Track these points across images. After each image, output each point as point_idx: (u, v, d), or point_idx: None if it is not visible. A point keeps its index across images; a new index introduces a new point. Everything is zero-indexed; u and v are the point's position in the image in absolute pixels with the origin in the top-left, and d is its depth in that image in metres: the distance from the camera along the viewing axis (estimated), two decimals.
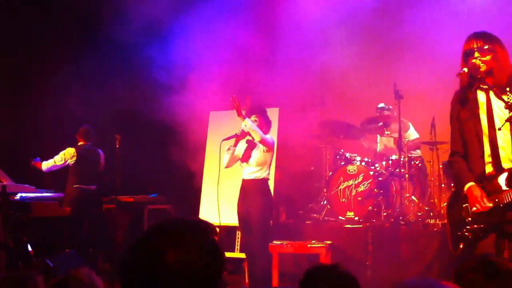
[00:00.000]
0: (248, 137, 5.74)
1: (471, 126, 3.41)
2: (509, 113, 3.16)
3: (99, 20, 7.98)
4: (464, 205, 3.39)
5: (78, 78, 8.28)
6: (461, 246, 3.40)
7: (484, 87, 3.35)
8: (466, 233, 3.34)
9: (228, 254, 7.05)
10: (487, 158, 3.34)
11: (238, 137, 5.69)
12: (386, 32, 8.06)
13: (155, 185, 8.26)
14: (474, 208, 3.31)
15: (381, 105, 7.44)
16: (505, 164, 3.26)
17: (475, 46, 3.34)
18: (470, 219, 3.33)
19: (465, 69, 3.36)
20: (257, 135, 5.54)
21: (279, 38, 8.09)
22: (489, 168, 3.34)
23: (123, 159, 7.32)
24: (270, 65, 7.93)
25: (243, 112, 5.59)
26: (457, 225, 3.41)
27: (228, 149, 5.76)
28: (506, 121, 3.21)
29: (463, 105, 3.45)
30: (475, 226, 3.31)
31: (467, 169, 3.44)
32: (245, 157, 5.72)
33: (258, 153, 5.70)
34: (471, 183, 3.35)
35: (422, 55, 7.59)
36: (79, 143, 7.48)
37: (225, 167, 5.83)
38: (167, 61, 8.09)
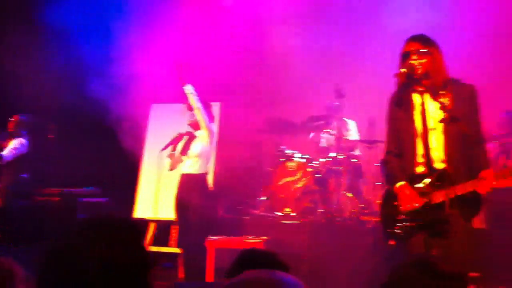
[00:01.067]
0: (187, 129, 5.69)
1: (405, 127, 3.47)
2: (443, 114, 3.23)
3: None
4: (395, 203, 3.45)
5: (12, 63, 7.91)
6: (391, 242, 3.48)
7: (420, 89, 3.42)
8: (397, 230, 3.41)
9: (163, 249, 6.95)
10: (420, 159, 3.41)
11: (175, 142, 5.64)
12: (330, 30, 8.16)
13: (90, 178, 8.02)
14: (405, 206, 3.40)
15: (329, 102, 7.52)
16: (437, 165, 3.33)
17: (413, 48, 3.41)
18: (401, 217, 3.40)
19: (403, 70, 3.40)
20: (197, 102, 5.54)
21: (221, 32, 8.02)
22: (420, 169, 3.42)
23: (57, 150, 7.07)
24: (212, 59, 7.85)
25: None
26: (389, 222, 3.48)
27: (170, 155, 5.68)
28: (440, 122, 3.29)
29: (399, 105, 3.52)
30: (406, 224, 3.37)
31: (399, 168, 3.52)
32: (184, 150, 5.65)
33: (197, 145, 5.64)
34: (401, 182, 3.44)
35: (363, 54, 7.71)
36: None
37: (169, 170, 5.76)
38: (107, 52, 7.88)
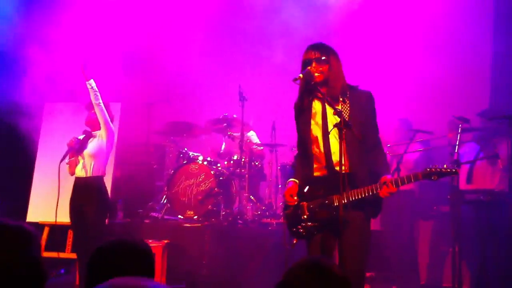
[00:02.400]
0: (81, 136, 5.47)
1: (306, 132, 3.58)
2: (338, 120, 3.33)
3: None
4: (300, 203, 3.54)
5: None
6: (294, 241, 3.58)
7: (320, 95, 3.52)
8: (300, 230, 3.51)
9: (60, 254, 6.62)
10: (319, 163, 3.52)
11: (72, 148, 5.39)
12: (234, 34, 8.22)
13: None
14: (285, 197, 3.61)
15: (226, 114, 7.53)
16: (338, 169, 3.37)
17: (313, 56, 3.50)
18: (305, 216, 3.49)
19: (301, 75, 3.48)
20: (98, 97, 5.36)
21: (121, 31, 7.80)
22: (319, 172, 3.53)
23: None
24: (113, 58, 7.61)
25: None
26: (293, 222, 3.57)
27: (70, 161, 5.42)
28: (334, 126, 3.36)
29: (301, 111, 3.64)
30: (309, 223, 3.47)
31: (299, 169, 3.66)
32: (80, 149, 5.40)
33: (94, 145, 5.42)
34: (292, 179, 3.64)
35: (265, 59, 7.82)
36: None
37: (71, 175, 5.48)
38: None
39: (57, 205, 5.23)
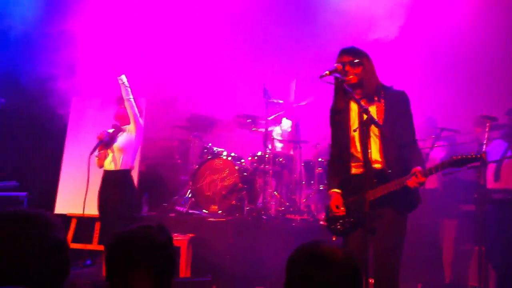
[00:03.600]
0: (111, 130, 5.55)
1: (343, 132, 3.71)
2: (365, 117, 3.35)
3: None
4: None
5: None
6: (333, 239, 3.74)
7: (356, 96, 3.59)
8: (338, 226, 3.68)
9: (86, 246, 6.74)
10: (355, 161, 3.65)
11: (102, 141, 5.48)
12: (259, 29, 8.23)
13: (7, 172, 7.65)
14: (331, 213, 3.71)
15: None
16: (376, 166, 3.53)
17: (346, 60, 3.61)
18: (342, 214, 3.67)
19: (327, 72, 3.53)
20: (129, 92, 5.47)
21: (150, 26, 7.89)
22: (357, 170, 3.65)
23: None
24: (138, 53, 7.71)
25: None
26: (332, 219, 3.74)
27: (99, 154, 5.51)
28: (360, 124, 3.43)
29: (337, 112, 3.76)
30: (346, 220, 3.64)
31: (334, 173, 3.81)
32: (110, 143, 5.49)
33: (123, 139, 5.51)
34: (333, 189, 3.75)
35: (291, 56, 7.84)
36: None
37: (100, 168, 5.58)
38: (28, 45, 7.56)
39: (85, 198, 5.32)
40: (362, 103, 3.53)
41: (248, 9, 8.10)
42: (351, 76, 3.60)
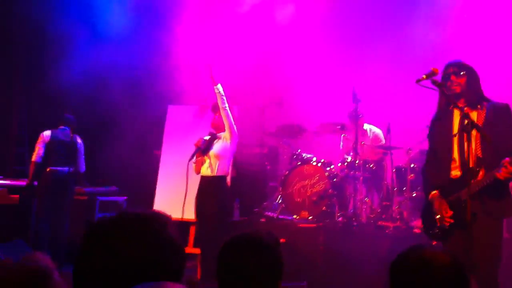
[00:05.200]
0: (207, 137, 5.75)
1: (443, 136, 3.86)
2: (466, 122, 3.48)
3: None
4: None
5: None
6: (434, 243, 3.80)
7: (460, 105, 3.74)
8: (436, 230, 3.79)
9: None
10: (454, 165, 3.77)
11: (199, 148, 5.68)
12: (347, 35, 8.20)
13: (108, 177, 8.12)
14: (438, 216, 3.78)
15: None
16: (472, 169, 3.61)
17: (451, 71, 3.79)
18: (438, 217, 3.76)
19: (424, 76, 3.60)
20: (224, 101, 5.62)
21: (239, 37, 8.09)
22: (456, 173, 3.77)
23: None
24: (229, 62, 7.91)
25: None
26: (430, 225, 3.85)
27: (196, 161, 5.73)
28: (461, 129, 3.66)
29: (440, 120, 3.93)
30: (443, 223, 3.73)
31: (431, 177, 3.93)
32: (206, 150, 5.69)
33: (219, 146, 5.69)
34: (434, 192, 3.84)
35: (381, 60, 7.74)
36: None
37: (197, 174, 5.81)
38: (126, 53, 7.99)
39: (184, 202, 5.55)
40: (465, 110, 3.61)
41: (337, 13, 8.11)
42: (455, 85, 3.76)
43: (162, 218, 1.70)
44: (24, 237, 6.34)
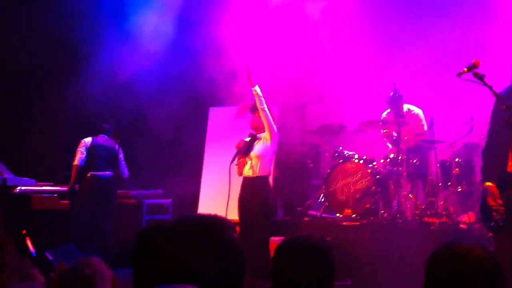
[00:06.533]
0: (247, 138, 5.81)
1: (503, 129, 3.79)
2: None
3: None
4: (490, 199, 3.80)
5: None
6: (489, 235, 3.99)
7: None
8: (492, 224, 3.75)
9: None
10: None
11: (240, 150, 5.76)
12: (387, 31, 8.12)
13: (153, 180, 8.28)
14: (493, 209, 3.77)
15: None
16: None
17: None
18: (494, 211, 3.74)
19: (465, 69, 3.54)
20: (263, 102, 5.69)
21: (278, 36, 8.12)
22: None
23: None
24: (270, 62, 7.96)
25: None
26: (488, 216, 3.81)
27: (238, 162, 5.80)
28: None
29: (501, 111, 3.82)
30: (500, 217, 3.70)
31: (489, 166, 3.90)
32: (247, 151, 5.76)
33: (260, 147, 5.75)
34: (489, 184, 3.82)
35: (422, 55, 7.63)
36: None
37: (239, 175, 5.89)
38: (168, 57, 8.13)
39: (227, 204, 5.63)
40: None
41: (376, 9, 8.04)
42: None
43: (223, 222, 1.75)
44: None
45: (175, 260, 1.61)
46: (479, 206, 4.15)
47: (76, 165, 7.04)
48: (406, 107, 7.38)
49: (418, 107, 7.42)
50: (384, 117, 7.42)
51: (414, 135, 7.16)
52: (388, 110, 7.38)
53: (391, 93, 7.06)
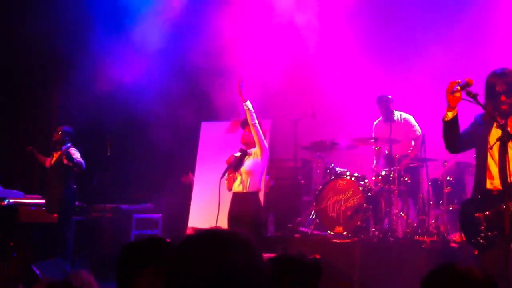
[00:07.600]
0: (238, 153, 5.77)
1: (481, 145, 3.82)
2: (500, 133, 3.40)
3: None
4: (476, 215, 3.72)
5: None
6: (475, 253, 3.78)
7: (498, 120, 3.68)
8: (481, 241, 3.68)
9: None
10: (490, 176, 3.75)
11: (230, 165, 5.72)
12: (381, 49, 8.16)
13: (143, 194, 8.22)
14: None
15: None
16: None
17: (501, 90, 3.69)
18: (483, 227, 3.68)
19: (459, 87, 3.54)
20: (254, 118, 5.64)
21: (271, 51, 8.13)
22: (490, 185, 3.75)
23: (112, 167, 7.27)
24: (262, 77, 7.95)
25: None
26: (472, 234, 3.77)
27: (228, 178, 5.76)
28: (497, 140, 3.54)
29: (479, 126, 3.89)
30: (489, 233, 3.64)
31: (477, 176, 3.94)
32: (237, 166, 5.72)
33: (250, 162, 5.70)
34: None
35: (413, 73, 7.66)
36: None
37: (229, 191, 5.84)
38: (160, 71, 8.12)
39: (217, 220, 5.58)
40: (495, 122, 3.52)
41: (370, 26, 8.09)
42: (505, 105, 3.68)
43: (240, 237, 1.69)
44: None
45: (197, 277, 1.54)
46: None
47: None
48: (397, 114, 7.41)
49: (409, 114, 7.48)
50: (376, 124, 7.44)
51: (408, 140, 7.16)
52: (380, 118, 7.40)
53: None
